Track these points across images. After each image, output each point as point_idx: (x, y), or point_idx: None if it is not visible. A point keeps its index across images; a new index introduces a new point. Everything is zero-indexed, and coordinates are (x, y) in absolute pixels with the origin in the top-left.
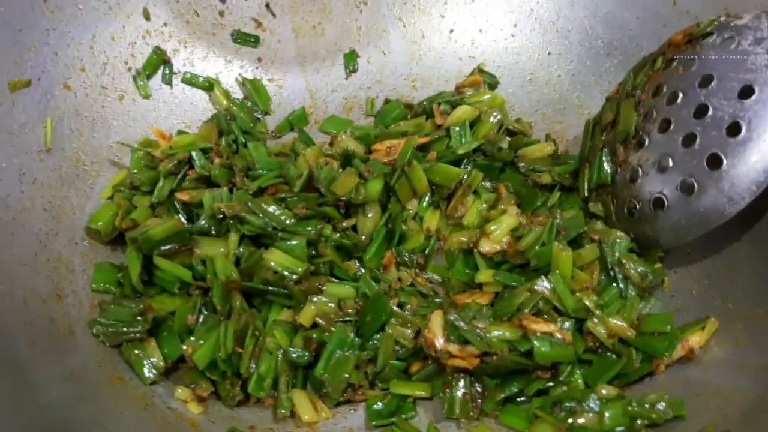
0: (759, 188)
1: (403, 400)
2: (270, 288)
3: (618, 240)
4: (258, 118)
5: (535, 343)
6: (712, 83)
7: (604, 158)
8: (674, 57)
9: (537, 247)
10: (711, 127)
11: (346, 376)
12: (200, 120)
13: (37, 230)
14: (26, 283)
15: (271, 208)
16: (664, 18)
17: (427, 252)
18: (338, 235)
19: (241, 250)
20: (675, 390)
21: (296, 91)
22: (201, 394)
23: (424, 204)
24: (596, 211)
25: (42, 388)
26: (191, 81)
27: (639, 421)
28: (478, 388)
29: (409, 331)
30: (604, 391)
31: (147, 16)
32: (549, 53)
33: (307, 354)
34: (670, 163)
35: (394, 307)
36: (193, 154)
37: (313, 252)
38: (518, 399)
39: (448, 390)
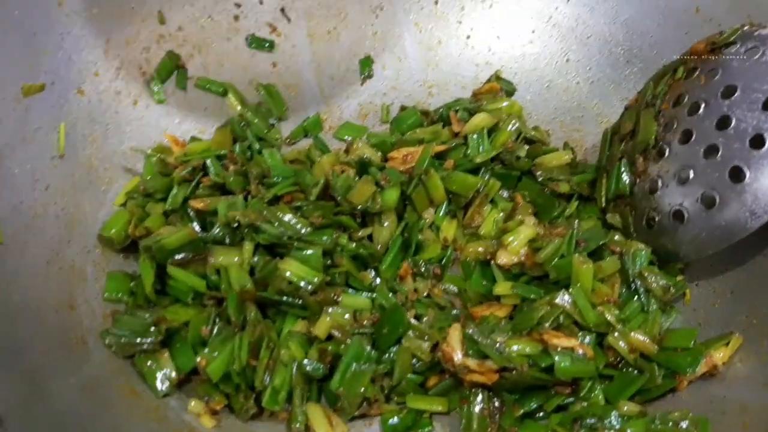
0: None
1: (419, 414)
2: (285, 298)
3: (639, 252)
4: (272, 124)
5: (556, 358)
6: (736, 94)
7: (622, 168)
8: (696, 66)
9: (556, 260)
10: (734, 138)
11: (362, 389)
12: (214, 125)
13: (49, 238)
14: (39, 293)
15: (287, 217)
16: (686, 25)
17: (443, 262)
18: (354, 244)
19: (256, 259)
20: (698, 407)
21: (311, 96)
22: (214, 407)
23: (441, 213)
24: (614, 222)
25: (55, 400)
26: (205, 86)
27: None
28: (497, 403)
29: (426, 344)
30: (625, 408)
31: (162, 20)
32: (567, 60)
33: (322, 367)
34: (691, 175)
35: (411, 320)
36: (208, 161)
37: (329, 262)
38: (537, 415)
39: (465, 405)
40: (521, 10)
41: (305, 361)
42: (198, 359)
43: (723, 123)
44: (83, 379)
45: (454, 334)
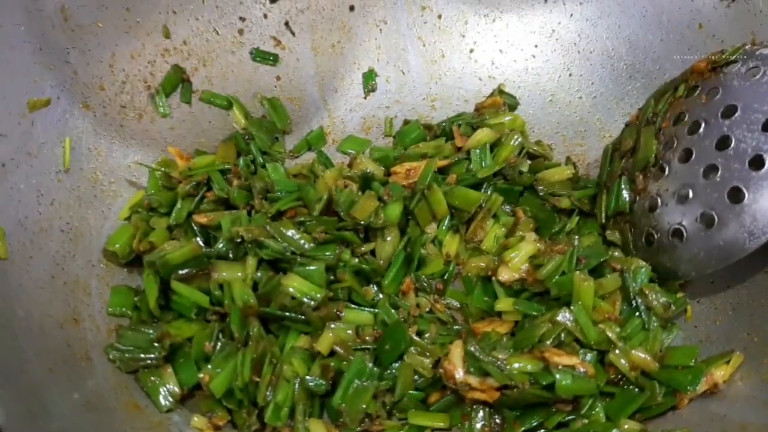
0: None
1: (421, 430)
2: (288, 314)
3: (639, 269)
4: (276, 138)
5: (557, 376)
6: (736, 114)
7: (622, 185)
8: (697, 84)
9: (557, 277)
10: (733, 159)
11: (364, 406)
12: (218, 139)
13: (54, 252)
14: (43, 307)
15: (290, 232)
16: (689, 41)
17: (446, 277)
18: (357, 259)
19: (259, 274)
20: (699, 425)
21: (314, 110)
22: (217, 423)
23: (444, 228)
24: (613, 239)
25: (58, 415)
26: (210, 99)
27: None
28: (498, 420)
29: (428, 360)
30: (626, 426)
31: (167, 34)
32: (570, 74)
33: (324, 383)
34: (691, 195)
35: (413, 336)
36: (212, 176)
37: (332, 277)
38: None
39: (466, 421)
40: (524, 24)
41: (308, 377)
42: (201, 375)
43: (723, 143)
44: (87, 394)
45: (456, 351)
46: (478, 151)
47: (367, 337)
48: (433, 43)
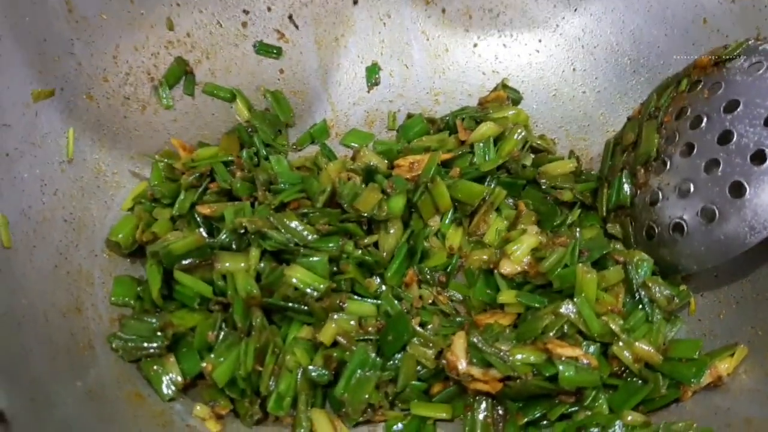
0: None
1: (423, 421)
2: (291, 305)
3: (642, 261)
4: (279, 131)
5: (560, 367)
6: (738, 109)
7: (624, 179)
8: (700, 79)
9: (559, 269)
10: (735, 153)
11: (367, 396)
12: (221, 131)
13: (57, 242)
14: (46, 296)
15: (294, 224)
16: (694, 36)
17: (449, 270)
18: (360, 251)
19: (262, 265)
20: (703, 418)
21: (318, 103)
22: (220, 412)
23: (447, 221)
24: (614, 232)
25: (61, 403)
26: (213, 92)
27: None
28: (500, 411)
29: (430, 351)
30: (629, 417)
31: (170, 27)
32: (574, 69)
33: (327, 373)
34: (692, 189)
35: (416, 327)
36: (215, 167)
37: (335, 268)
38: (541, 423)
39: (469, 412)
40: (528, 19)
41: (310, 367)
42: (204, 364)
43: (725, 137)
44: (89, 383)
45: (459, 342)
46: (481, 144)
47: (370, 328)
48: (437, 38)
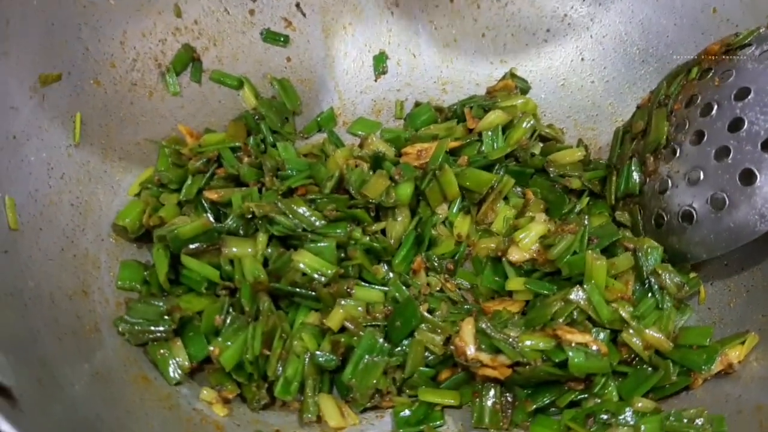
0: None
1: (431, 407)
2: (298, 290)
3: (652, 249)
4: (286, 119)
5: (570, 353)
6: (749, 96)
7: (633, 167)
8: (710, 67)
9: (568, 256)
10: (746, 141)
11: (374, 381)
12: (228, 118)
13: (64, 226)
14: (53, 279)
15: (301, 210)
16: (703, 25)
17: (456, 258)
18: (368, 238)
19: (270, 250)
20: (713, 405)
21: (325, 91)
22: (226, 396)
23: (455, 209)
24: (623, 220)
25: (68, 387)
26: (220, 79)
27: None
28: (509, 398)
29: (438, 337)
30: (639, 404)
31: (178, 13)
32: (582, 59)
33: (334, 358)
34: (701, 176)
35: (424, 313)
36: (222, 153)
37: (342, 255)
38: (550, 410)
39: (477, 399)
40: (536, 8)
41: (318, 352)
42: (211, 348)
43: (735, 125)
44: (96, 366)
45: (467, 328)
46: (490, 132)
47: (378, 314)
48: (445, 27)
